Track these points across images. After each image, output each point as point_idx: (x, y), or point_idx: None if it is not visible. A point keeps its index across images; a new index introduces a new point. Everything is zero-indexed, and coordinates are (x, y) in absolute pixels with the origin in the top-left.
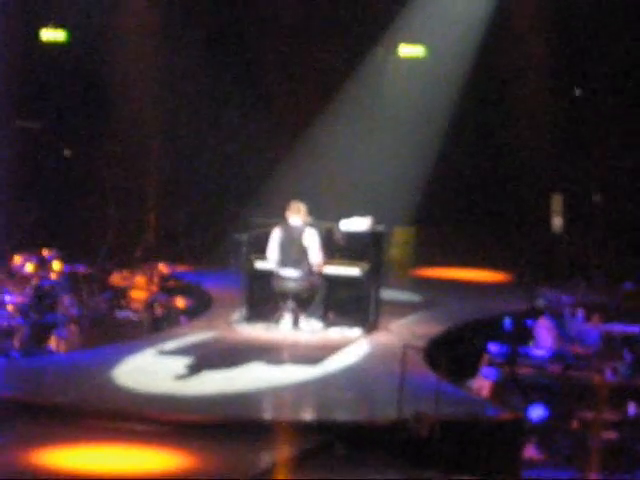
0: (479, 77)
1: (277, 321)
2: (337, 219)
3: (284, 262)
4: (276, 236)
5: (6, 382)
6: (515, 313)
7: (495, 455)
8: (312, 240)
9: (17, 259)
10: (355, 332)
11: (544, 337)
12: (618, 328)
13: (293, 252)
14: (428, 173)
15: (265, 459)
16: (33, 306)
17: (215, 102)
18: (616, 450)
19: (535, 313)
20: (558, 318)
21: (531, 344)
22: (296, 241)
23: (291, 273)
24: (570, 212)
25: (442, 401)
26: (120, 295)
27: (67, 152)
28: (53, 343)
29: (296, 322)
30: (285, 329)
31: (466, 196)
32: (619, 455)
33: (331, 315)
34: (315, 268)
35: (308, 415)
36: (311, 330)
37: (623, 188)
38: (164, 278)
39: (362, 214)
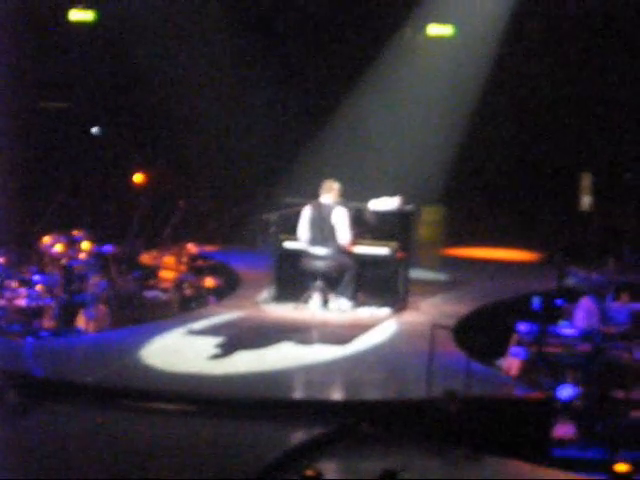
0: (508, 55)
1: (306, 301)
2: (367, 199)
3: (314, 240)
4: (307, 214)
5: (35, 362)
6: (544, 292)
7: (524, 434)
8: (341, 218)
9: (46, 239)
10: (384, 311)
11: (581, 317)
12: None
13: (323, 230)
14: (457, 152)
15: (294, 438)
16: (62, 286)
17: (244, 82)
18: None
19: (567, 292)
20: (601, 299)
21: (561, 323)
22: (326, 219)
23: (321, 251)
24: (600, 190)
25: (471, 380)
26: (149, 275)
27: (96, 130)
28: (82, 323)
29: (325, 302)
30: (314, 309)
31: (495, 175)
32: None
33: (360, 295)
34: (344, 247)
35: (337, 394)
36: (340, 310)
37: None
38: (193, 258)
39: (391, 194)
